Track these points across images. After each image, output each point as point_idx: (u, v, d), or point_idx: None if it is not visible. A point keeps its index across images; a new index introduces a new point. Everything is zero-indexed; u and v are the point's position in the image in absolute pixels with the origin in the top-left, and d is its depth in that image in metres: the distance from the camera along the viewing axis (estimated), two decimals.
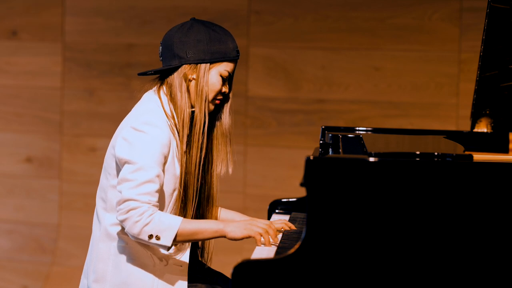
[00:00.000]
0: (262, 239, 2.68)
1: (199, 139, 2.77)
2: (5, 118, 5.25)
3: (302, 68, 4.86)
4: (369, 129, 3.42)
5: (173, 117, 2.75)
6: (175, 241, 2.64)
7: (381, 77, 4.77)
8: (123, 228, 2.73)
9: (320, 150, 3.26)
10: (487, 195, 2.32)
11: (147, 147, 2.66)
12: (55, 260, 5.18)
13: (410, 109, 4.75)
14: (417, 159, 2.38)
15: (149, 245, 2.74)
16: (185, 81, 2.77)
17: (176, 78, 2.77)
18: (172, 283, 2.75)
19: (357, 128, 3.44)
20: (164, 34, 2.84)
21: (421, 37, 4.71)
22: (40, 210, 5.21)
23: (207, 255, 2.95)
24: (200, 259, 2.95)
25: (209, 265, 2.96)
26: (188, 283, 2.80)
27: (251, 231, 2.67)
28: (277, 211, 3.31)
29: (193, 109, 2.79)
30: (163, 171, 2.70)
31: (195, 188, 2.79)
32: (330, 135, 3.20)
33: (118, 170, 2.73)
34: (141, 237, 2.62)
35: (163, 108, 2.76)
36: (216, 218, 2.94)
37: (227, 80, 2.81)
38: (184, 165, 2.76)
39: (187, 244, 2.80)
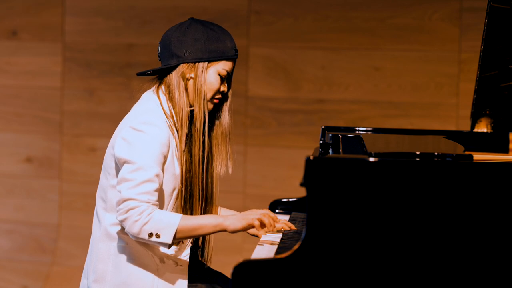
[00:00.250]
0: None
1: (200, 138, 2.77)
2: (5, 118, 5.25)
3: (302, 68, 4.86)
4: (369, 129, 3.42)
5: (172, 116, 2.76)
6: (175, 238, 2.64)
7: (381, 77, 4.77)
8: (123, 228, 2.74)
9: (320, 150, 3.26)
10: (487, 195, 2.32)
11: (146, 147, 2.66)
12: (55, 260, 5.18)
13: (410, 109, 4.75)
14: (417, 159, 2.38)
15: (149, 245, 2.74)
16: (183, 80, 2.77)
17: (174, 77, 2.78)
18: (172, 283, 2.75)
19: (357, 128, 3.44)
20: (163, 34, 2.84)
21: (421, 37, 4.71)
22: (40, 210, 5.21)
23: (207, 255, 2.95)
24: (200, 259, 2.95)
25: (209, 264, 2.96)
26: (188, 283, 2.80)
27: (250, 220, 2.67)
28: (277, 211, 3.31)
29: (192, 108, 2.79)
30: (163, 170, 2.70)
31: (200, 187, 2.79)
32: (330, 135, 3.20)
33: (118, 170, 2.73)
34: (141, 236, 2.62)
35: (162, 107, 2.76)
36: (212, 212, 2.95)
37: (226, 79, 2.82)
38: (184, 164, 2.76)
39: (187, 243, 2.80)
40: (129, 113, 2.81)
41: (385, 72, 4.76)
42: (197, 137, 2.77)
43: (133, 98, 2.89)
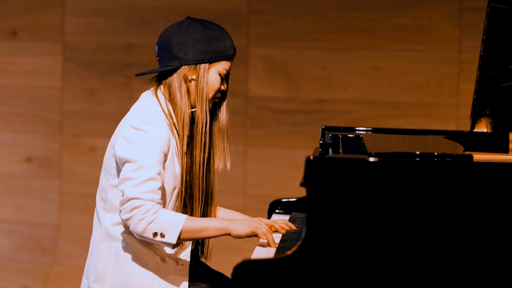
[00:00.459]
0: (264, 241, 2.68)
1: (202, 139, 2.78)
2: (5, 118, 5.25)
3: (302, 68, 4.86)
4: (369, 129, 3.42)
5: (171, 116, 2.76)
6: (180, 239, 2.64)
7: (381, 77, 4.77)
8: (123, 228, 2.74)
9: (320, 150, 3.26)
10: (487, 195, 2.32)
11: (147, 146, 2.66)
12: (55, 260, 5.18)
13: (410, 109, 4.75)
14: (417, 159, 2.38)
15: (150, 245, 2.74)
16: (185, 82, 2.77)
17: (175, 79, 2.77)
18: (173, 283, 2.75)
19: (357, 128, 3.44)
20: None
21: (421, 37, 4.71)
22: (40, 210, 5.21)
23: (207, 251, 2.94)
24: (200, 255, 2.94)
25: (208, 261, 2.95)
26: (189, 282, 2.80)
27: (254, 228, 2.67)
28: (277, 211, 3.31)
29: (192, 110, 2.79)
30: (163, 169, 2.70)
31: (200, 188, 2.80)
32: (330, 135, 3.20)
33: (118, 170, 2.73)
34: (145, 235, 2.62)
35: (161, 107, 2.76)
36: (215, 215, 2.95)
37: (225, 77, 2.82)
38: (185, 166, 2.76)
39: (188, 243, 2.80)
40: (128, 113, 2.81)
41: (385, 72, 4.76)
42: (198, 138, 2.77)
43: (133, 98, 2.89)
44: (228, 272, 2.62)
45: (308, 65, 4.85)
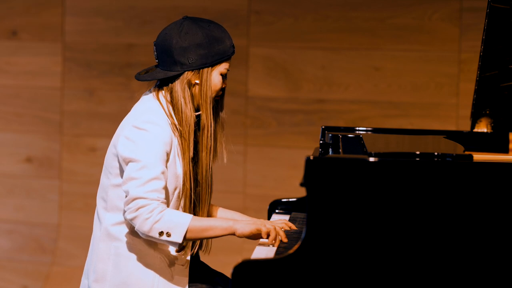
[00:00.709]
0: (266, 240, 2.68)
1: (209, 143, 2.78)
2: (5, 118, 5.25)
3: (302, 68, 4.86)
4: (369, 129, 3.42)
5: (172, 117, 2.76)
6: (185, 238, 2.64)
7: (381, 77, 4.77)
8: (123, 228, 2.74)
9: (320, 150, 3.26)
10: (487, 195, 2.32)
11: (150, 145, 2.67)
12: (55, 260, 5.18)
13: (410, 109, 4.75)
14: (417, 159, 2.38)
15: (150, 245, 2.74)
16: (189, 87, 2.77)
17: (178, 84, 2.77)
18: (173, 283, 2.75)
19: (357, 128, 3.44)
20: None
21: (421, 37, 4.71)
22: (40, 210, 5.21)
23: (205, 246, 2.93)
24: (200, 250, 2.94)
25: (207, 255, 2.94)
26: (189, 283, 2.80)
27: (259, 226, 2.67)
28: (277, 211, 3.31)
29: (197, 113, 2.79)
30: (166, 168, 2.70)
31: (209, 191, 2.81)
32: (330, 135, 3.20)
33: (120, 169, 2.73)
34: (151, 234, 2.62)
35: (163, 107, 2.76)
36: (215, 215, 2.95)
37: (225, 75, 2.83)
38: (193, 169, 2.76)
39: (188, 243, 2.80)
40: (130, 113, 2.81)
41: (385, 72, 4.76)
42: (205, 142, 2.78)
43: (133, 98, 2.89)
44: (228, 272, 2.62)
45: (308, 65, 4.85)
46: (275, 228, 2.70)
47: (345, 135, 3.14)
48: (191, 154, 2.75)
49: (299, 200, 3.30)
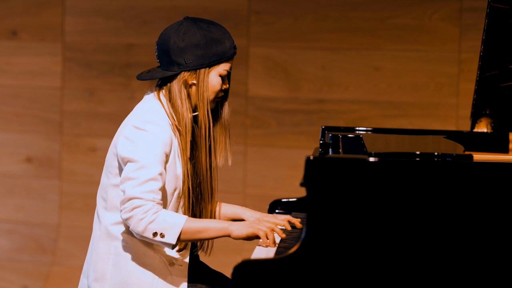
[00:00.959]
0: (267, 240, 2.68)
1: (206, 144, 2.78)
2: (5, 118, 5.25)
3: (302, 68, 4.86)
4: (369, 129, 3.42)
5: (173, 118, 2.76)
6: (180, 240, 2.64)
7: (381, 77, 4.77)
8: (123, 227, 2.74)
9: (320, 150, 3.26)
10: (487, 195, 2.32)
11: (149, 146, 2.67)
12: (55, 260, 5.18)
13: (410, 109, 4.75)
14: (417, 159, 2.38)
15: (149, 245, 2.74)
16: (185, 88, 2.77)
17: (175, 84, 2.77)
18: (172, 283, 2.75)
19: (357, 128, 3.44)
20: None
21: (421, 37, 4.71)
22: (40, 210, 5.21)
23: (207, 246, 2.93)
24: (200, 251, 2.94)
25: (209, 256, 2.94)
26: (188, 283, 2.80)
27: (255, 229, 2.66)
28: (277, 211, 3.31)
29: (195, 114, 2.79)
30: (165, 170, 2.70)
31: (209, 192, 2.80)
32: (330, 135, 3.20)
33: (120, 169, 2.73)
34: (145, 234, 2.62)
35: (164, 107, 2.76)
36: (215, 211, 2.94)
37: (226, 76, 2.82)
38: (191, 170, 2.76)
39: (187, 244, 2.80)
40: (131, 113, 2.81)
41: (385, 72, 4.76)
42: (203, 143, 2.77)
43: (133, 98, 2.89)
44: (228, 272, 2.62)
45: (308, 65, 4.85)
46: (272, 230, 2.69)
47: (345, 135, 3.14)
48: (188, 154, 2.75)
49: (299, 200, 3.30)
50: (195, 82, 2.77)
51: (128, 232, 2.74)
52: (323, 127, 3.36)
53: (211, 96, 2.79)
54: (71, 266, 5.14)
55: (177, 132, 2.75)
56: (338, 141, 3.01)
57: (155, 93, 2.81)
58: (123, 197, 2.64)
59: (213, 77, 2.78)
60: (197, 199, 2.81)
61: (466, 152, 2.49)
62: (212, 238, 2.71)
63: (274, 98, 4.90)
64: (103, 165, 2.84)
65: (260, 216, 2.95)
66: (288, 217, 2.93)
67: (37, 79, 5.19)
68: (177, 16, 4.93)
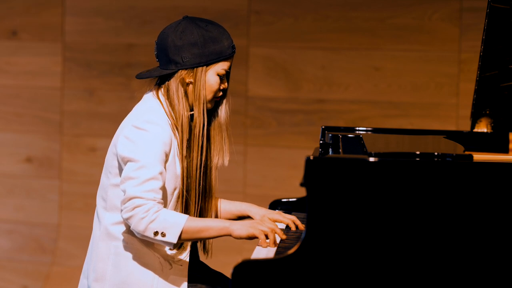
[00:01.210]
0: (267, 240, 2.67)
1: (199, 143, 2.78)
2: (5, 118, 5.25)
3: (302, 68, 4.86)
4: (369, 129, 3.42)
5: (172, 116, 2.76)
6: (180, 239, 2.64)
7: (381, 77, 4.77)
8: (123, 227, 2.74)
9: (320, 150, 3.26)
10: (487, 195, 2.32)
11: (149, 145, 2.67)
12: (55, 260, 5.19)
13: (410, 109, 4.75)
14: (417, 159, 2.38)
15: (149, 245, 2.74)
16: (182, 86, 2.77)
17: (173, 83, 2.78)
18: (172, 283, 2.75)
19: (357, 128, 3.44)
20: None
21: (421, 37, 4.71)
22: (40, 210, 5.21)
23: (208, 245, 2.93)
24: (201, 251, 2.94)
25: (210, 257, 2.94)
26: (188, 283, 2.80)
27: (256, 230, 2.66)
28: (277, 211, 3.31)
29: (192, 112, 2.79)
30: (164, 169, 2.70)
31: (197, 192, 2.79)
32: (330, 135, 3.20)
33: (119, 169, 2.73)
34: (146, 234, 2.62)
35: (163, 107, 2.76)
36: (216, 209, 2.94)
37: (225, 76, 2.82)
38: (185, 169, 2.76)
39: (187, 243, 2.80)
40: (131, 112, 2.81)
41: (385, 72, 4.76)
42: (196, 142, 2.77)
43: (133, 98, 2.89)
44: (228, 272, 2.62)
45: (308, 65, 4.85)
46: (273, 229, 2.69)
47: (345, 135, 3.13)
48: (184, 153, 2.75)
49: (299, 200, 3.30)
50: (192, 80, 2.77)
51: (128, 232, 2.74)
52: (323, 127, 3.36)
53: (209, 96, 2.78)
54: (71, 266, 5.14)
55: (177, 131, 2.75)
56: (338, 141, 3.01)
57: (154, 92, 2.81)
58: (123, 196, 2.64)
59: (211, 76, 2.78)
60: (190, 198, 2.80)
61: (466, 152, 2.49)
62: (213, 238, 2.71)
63: (274, 98, 4.90)
64: (103, 165, 2.84)
65: (266, 213, 2.95)
66: (293, 217, 2.93)
67: (37, 79, 5.19)
68: (177, 16, 4.92)
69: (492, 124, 3.35)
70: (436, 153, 2.39)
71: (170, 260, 2.76)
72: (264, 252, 2.64)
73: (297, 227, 2.92)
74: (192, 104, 2.79)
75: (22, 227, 5.25)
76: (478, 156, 2.83)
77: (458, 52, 4.67)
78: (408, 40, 4.73)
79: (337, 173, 2.33)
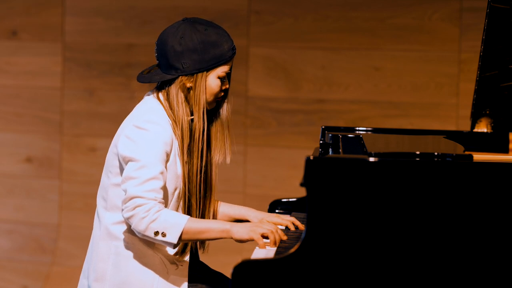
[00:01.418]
0: (267, 240, 2.67)
1: (199, 148, 2.77)
2: (5, 118, 5.25)
3: (302, 68, 4.86)
4: (369, 129, 3.42)
5: (173, 119, 2.76)
6: (181, 239, 2.64)
7: (381, 77, 4.77)
8: (123, 227, 2.74)
9: (320, 150, 3.26)
10: (487, 195, 2.32)
11: (150, 145, 2.67)
12: (55, 260, 5.18)
13: (410, 109, 4.75)
14: (417, 159, 2.38)
15: (150, 245, 2.74)
16: (183, 92, 2.77)
17: (173, 88, 2.77)
18: (172, 283, 2.75)
19: (357, 128, 3.44)
20: None
21: (421, 37, 4.71)
22: (40, 210, 5.21)
23: (203, 246, 2.93)
24: (199, 249, 2.94)
25: (206, 252, 2.94)
26: (188, 283, 2.80)
27: (256, 234, 2.66)
28: (277, 211, 3.31)
29: (192, 117, 2.79)
30: (166, 168, 2.70)
31: (198, 197, 2.80)
32: (330, 135, 3.20)
33: (120, 169, 2.73)
34: (147, 233, 2.62)
35: (164, 107, 2.76)
36: (215, 210, 2.94)
37: (226, 77, 2.81)
38: (186, 174, 2.76)
39: (189, 247, 2.80)
40: (132, 112, 2.81)
41: (385, 72, 4.76)
42: (196, 147, 2.77)
43: (133, 98, 2.89)
44: (228, 272, 2.62)
45: (308, 65, 4.85)
46: (273, 231, 2.68)
47: (345, 135, 3.13)
48: (185, 157, 2.75)
49: (299, 200, 3.30)
50: (192, 86, 2.76)
51: (128, 231, 2.74)
52: (323, 127, 3.36)
53: (210, 98, 2.78)
54: (71, 266, 5.14)
55: (177, 132, 2.75)
56: (338, 141, 3.01)
57: (155, 94, 2.81)
58: (124, 196, 2.64)
59: (212, 80, 2.77)
60: (190, 200, 2.80)
61: (466, 152, 2.49)
62: (214, 239, 2.71)
63: (274, 98, 4.90)
64: (103, 165, 2.84)
65: (264, 216, 2.95)
66: (292, 218, 2.93)
67: (37, 79, 5.19)
68: (177, 16, 4.93)
69: (492, 124, 3.35)
70: (436, 153, 2.39)
71: (170, 260, 2.76)
72: (264, 252, 2.64)
73: (296, 227, 2.92)
74: (193, 110, 2.79)
75: (22, 227, 5.25)
76: (478, 156, 2.83)
77: (458, 52, 4.67)
78: (408, 40, 4.73)
79: (337, 173, 2.33)
